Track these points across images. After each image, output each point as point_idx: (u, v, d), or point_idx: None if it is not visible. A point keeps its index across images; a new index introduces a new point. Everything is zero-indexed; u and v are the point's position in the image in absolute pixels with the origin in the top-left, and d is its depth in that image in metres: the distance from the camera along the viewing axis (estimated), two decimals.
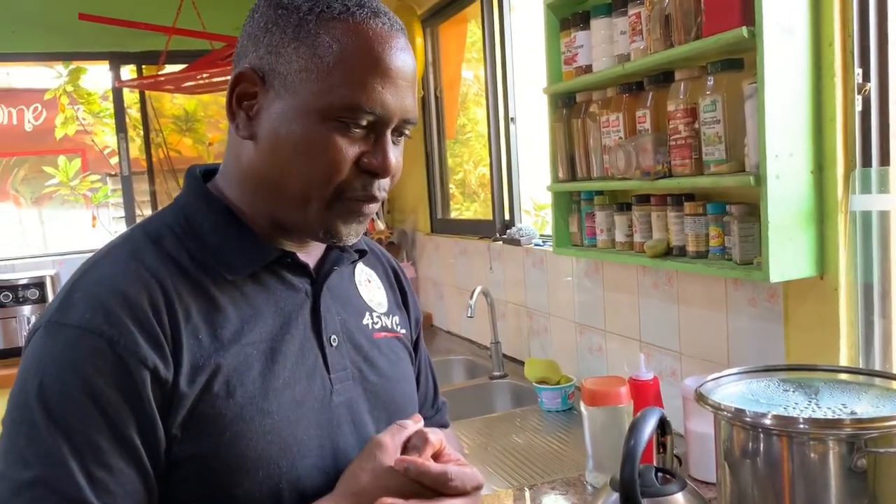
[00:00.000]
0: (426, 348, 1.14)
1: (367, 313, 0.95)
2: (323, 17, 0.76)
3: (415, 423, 0.87)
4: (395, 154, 0.80)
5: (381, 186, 0.81)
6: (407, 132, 0.82)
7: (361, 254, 0.96)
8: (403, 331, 1.01)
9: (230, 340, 0.79)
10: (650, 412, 1.10)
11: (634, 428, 1.06)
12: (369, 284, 0.99)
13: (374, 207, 0.82)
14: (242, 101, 0.80)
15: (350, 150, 0.77)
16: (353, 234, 0.83)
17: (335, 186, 0.78)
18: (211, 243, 0.82)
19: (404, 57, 0.78)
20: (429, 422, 1.10)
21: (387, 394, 0.93)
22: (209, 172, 0.89)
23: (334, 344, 0.88)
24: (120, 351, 0.72)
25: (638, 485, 1.02)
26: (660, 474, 1.11)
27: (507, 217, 2.82)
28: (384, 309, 0.99)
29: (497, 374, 2.54)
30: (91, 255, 0.83)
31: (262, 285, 0.84)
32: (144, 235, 0.82)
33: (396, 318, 1.00)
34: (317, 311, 0.87)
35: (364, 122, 0.77)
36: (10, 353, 3.34)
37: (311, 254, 0.90)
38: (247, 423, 0.77)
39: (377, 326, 0.95)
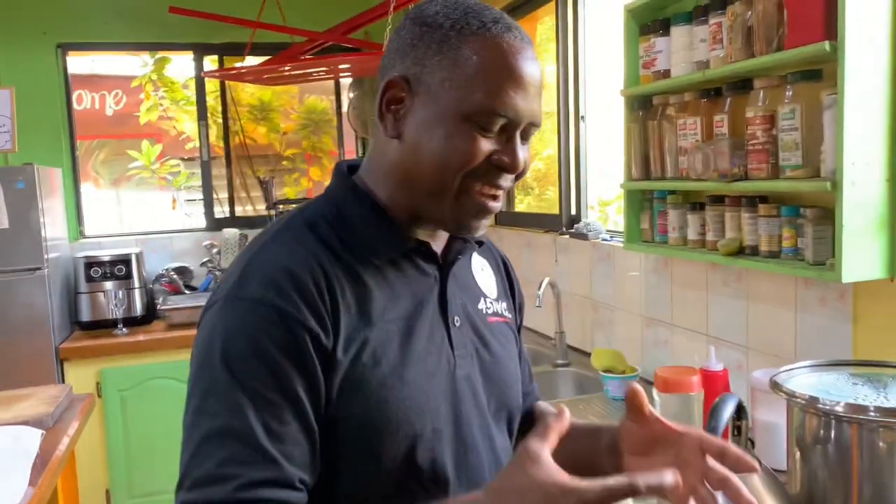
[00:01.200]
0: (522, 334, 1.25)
1: (482, 298, 1.07)
2: (463, 32, 0.87)
3: (559, 422, 0.78)
4: (523, 153, 0.91)
5: (507, 178, 0.91)
6: (532, 133, 0.93)
7: (479, 244, 1.07)
8: (510, 315, 1.12)
9: (376, 317, 0.90)
10: (729, 397, 1.20)
11: (715, 410, 1.16)
12: (482, 272, 1.10)
13: (499, 204, 0.93)
14: (391, 106, 0.91)
15: (485, 146, 0.88)
16: (480, 228, 0.94)
17: (465, 174, 0.88)
18: (359, 231, 0.94)
19: (533, 66, 0.89)
20: (528, 397, 1.22)
21: (497, 372, 1.04)
22: (353, 167, 1.02)
23: (457, 324, 0.99)
24: (289, 321, 0.84)
25: None
26: None
27: (573, 212, 2.92)
28: (495, 295, 1.10)
29: (561, 362, 2.65)
30: (256, 238, 0.96)
31: (400, 270, 0.95)
32: (302, 222, 0.94)
33: (504, 305, 1.11)
34: (443, 295, 0.98)
35: (497, 126, 0.88)
36: (96, 325, 3.57)
37: (437, 242, 1.01)
38: (388, 389, 0.89)
39: (490, 311, 1.07)
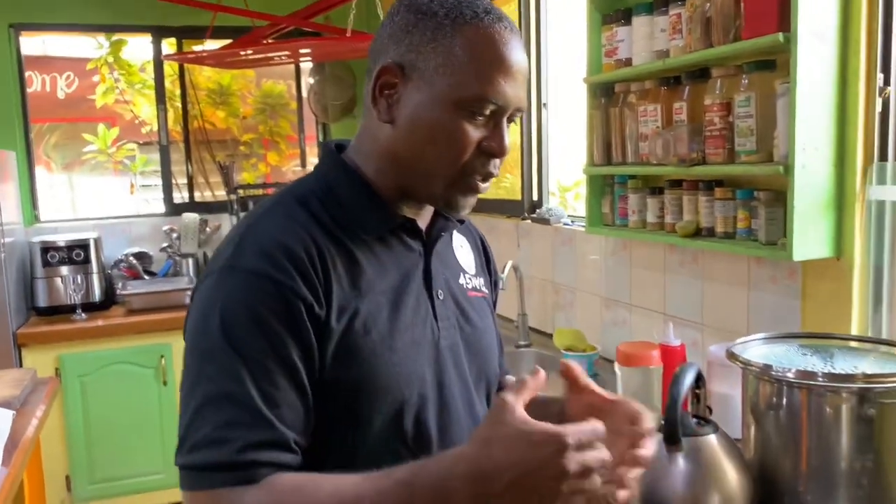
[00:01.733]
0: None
1: (462, 274, 1.12)
2: (457, 21, 0.92)
3: (535, 379, 0.83)
4: (507, 137, 0.96)
5: (496, 164, 0.97)
6: (516, 118, 0.98)
7: (461, 222, 1.12)
8: (487, 291, 1.18)
9: (366, 289, 0.95)
10: (690, 366, 1.28)
11: (677, 378, 1.24)
12: (462, 250, 1.15)
13: (488, 185, 0.98)
14: (384, 91, 0.95)
15: (474, 134, 0.93)
16: (467, 207, 0.99)
17: (461, 166, 0.94)
18: (349, 207, 0.98)
19: (521, 55, 0.94)
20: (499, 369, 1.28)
21: (477, 342, 1.10)
22: (339, 146, 1.06)
23: (441, 297, 1.04)
24: (284, 291, 0.88)
25: (680, 426, 1.21)
26: (696, 420, 1.29)
27: (535, 197, 2.99)
28: (473, 272, 1.16)
29: (523, 343, 2.72)
30: (248, 213, 1.00)
31: (388, 245, 1.00)
32: (293, 198, 0.98)
33: (482, 280, 1.17)
34: (428, 270, 1.03)
35: (487, 111, 0.93)
36: (53, 311, 3.52)
37: (421, 220, 1.06)
38: (379, 356, 0.94)
39: (469, 286, 1.12)
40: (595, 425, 0.77)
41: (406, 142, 0.95)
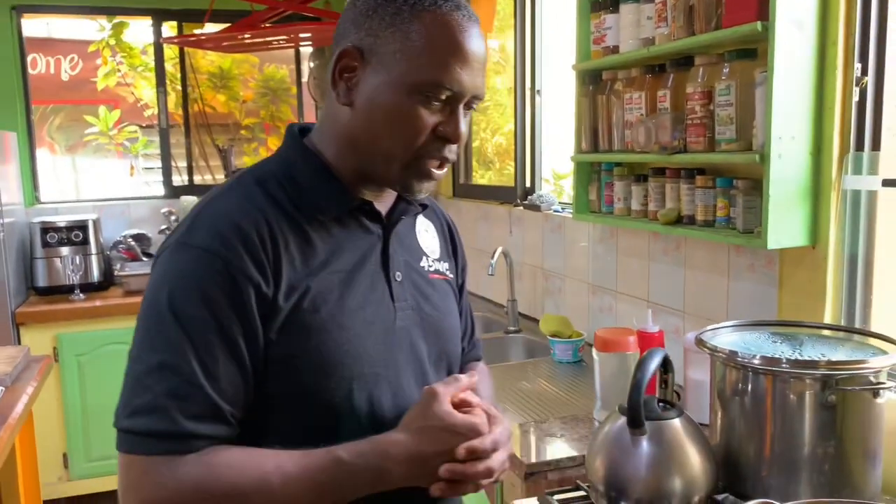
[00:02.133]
0: (467, 293, 1.33)
1: (424, 257, 1.14)
2: (416, 8, 0.93)
3: (469, 379, 1.01)
4: (464, 124, 0.98)
5: (451, 150, 0.98)
6: (474, 106, 1.00)
7: (423, 207, 1.14)
8: (451, 275, 1.20)
9: (318, 268, 0.97)
10: (655, 352, 1.29)
11: (641, 363, 1.26)
12: (426, 234, 1.17)
13: (444, 171, 1.00)
14: (344, 74, 0.97)
15: (430, 119, 0.95)
16: (423, 191, 1.01)
17: (415, 150, 0.96)
18: (306, 189, 1.00)
19: (478, 43, 0.96)
20: (466, 354, 1.29)
21: (437, 324, 1.11)
22: (304, 130, 1.07)
23: (398, 279, 1.06)
24: (232, 269, 0.90)
25: (643, 410, 1.22)
26: (661, 404, 1.31)
27: (528, 184, 3.00)
28: (437, 255, 1.17)
29: (512, 328, 2.74)
30: (210, 191, 1.02)
31: (344, 227, 1.02)
32: (253, 179, 1.00)
33: (446, 265, 1.19)
34: (386, 252, 1.05)
35: (443, 97, 0.94)
36: (52, 291, 3.56)
37: (383, 203, 1.08)
38: (327, 333, 0.96)
39: (431, 269, 1.14)
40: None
41: (363, 124, 0.97)
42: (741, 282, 1.79)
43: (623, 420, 1.26)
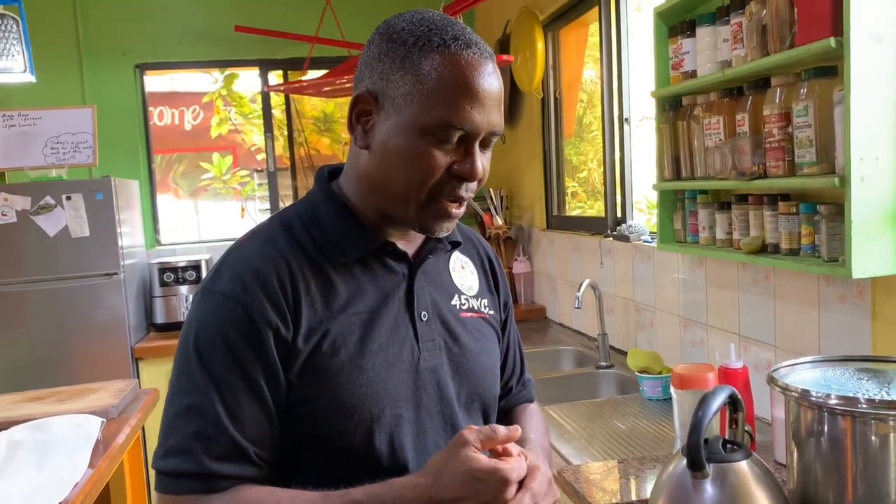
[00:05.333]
0: (517, 328, 1.30)
1: (457, 295, 1.13)
2: (424, 49, 0.93)
3: (508, 432, 0.93)
4: (482, 161, 0.97)
5: (469, 188, 0.98)
6: (493, 141, 0.98)
7: (454, 245, 1.13)
8: (491, 312, 1.18)
9: (339, 311, 0.99)
10: (720, 389, 1.22)
11: (703, 401, 1.19)
12: (463, 270, 1.16)
13: (461, 210, 0.99)
14: (360, 118, 0.99)
15: (443, 159, 0.94)
16: (443, 230, 1.01)
17: (429, 189, 0.96)
18: (330, 231, 1.02)
19: (491, 80, 0.95)
20: (514, 395, 1.27)
21: (468, 364, 1.09)
22: (335, 171, 1.10)
23: (424, 319, 1.05)
24: (252, 314, 0.93)
25: (703, 451, 1.16)
26: (728, 445, 1.23)
27: (619, 214, 2.93)
28: (474, 292, 1.15)
29: (603, 363, 2.66)
30: (240, 237, 1.06)
31: (368, 268, 1.03)
32: (280, 223, 1.04)
33: (485, 301, 1.17)
34: (411, 291, 1.05)
35: (455, 137, 0.94)
36: (170, 328, 3.79)
37: (411, 243, 1.08)
38: (346, 375, 0.97)
39: (465, 307, 1.12)
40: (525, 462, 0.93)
41: (379, 167, 0.98)
42: (833, 313, 1.67)
43: (685, 462, 1.20)
